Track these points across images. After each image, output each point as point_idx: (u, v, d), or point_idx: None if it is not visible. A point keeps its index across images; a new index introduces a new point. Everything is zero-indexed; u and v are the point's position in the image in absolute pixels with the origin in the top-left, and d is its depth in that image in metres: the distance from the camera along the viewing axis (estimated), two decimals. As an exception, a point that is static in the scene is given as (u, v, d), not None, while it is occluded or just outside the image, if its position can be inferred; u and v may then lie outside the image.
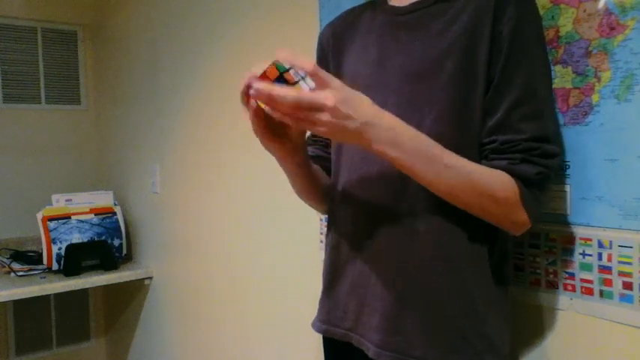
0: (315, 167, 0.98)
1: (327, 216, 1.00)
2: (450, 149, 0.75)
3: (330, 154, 0.99)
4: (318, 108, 0.67)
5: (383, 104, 0.73)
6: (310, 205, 1.04)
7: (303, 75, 0.69)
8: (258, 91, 0.68)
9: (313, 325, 0.96)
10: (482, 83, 0.78)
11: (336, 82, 0.69)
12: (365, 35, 0.93)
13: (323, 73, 0.68)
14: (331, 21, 1.02)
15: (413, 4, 0.87)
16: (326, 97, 0.67)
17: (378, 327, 0.83)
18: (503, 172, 0.76)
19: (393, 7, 0.90)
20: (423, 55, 0.82)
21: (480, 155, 0.80)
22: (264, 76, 0.70)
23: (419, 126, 0.77)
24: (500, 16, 0.77)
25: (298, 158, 0.88)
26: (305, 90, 0.69)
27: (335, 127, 0.69)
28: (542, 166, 0.76)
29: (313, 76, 0.68)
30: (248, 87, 0.71)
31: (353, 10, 1.01)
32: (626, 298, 0.81)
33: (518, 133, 0.76)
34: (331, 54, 0.98)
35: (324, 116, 0.68)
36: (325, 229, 1.35)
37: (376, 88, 0.85)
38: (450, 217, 0.79)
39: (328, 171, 1.00)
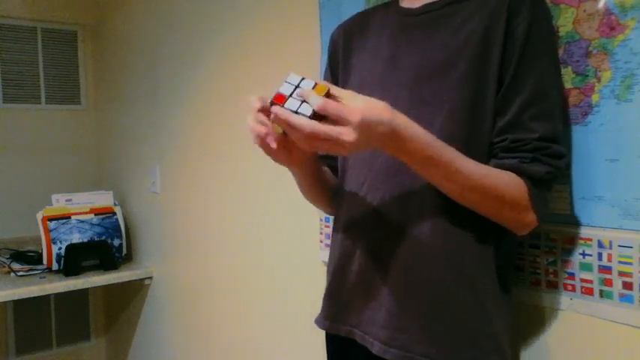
0: (324, 169, 0.99)
1: (329, 215, 0.99)
2: (459, 148, 0.76)
3: None
4: (335, 142, 0.68)
5: (394, 102, 0.73)
6: (316, 206, 1.04)
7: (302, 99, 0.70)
8: (277, 115, 0.69)
9: (317, 321, 0.96)
10: (493, 83, 0.79)
11: (354, 116, 0.66)
12: (377, 35, 0.93)
13: (333, 108, 0.67)
14: (343, 21, 1.03)
15: (424, 5, 0.87)
16: (342, 134, 0.67)
17: (383, 324, 0.83)
18: (513, 174, 0.76)
19: (404, 8, 0.90)
20: (435, 54, 0.82)
21: (489, 154, 0.80)
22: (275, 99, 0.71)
23: (430, 124, 0.77)
24: (513, 16, 0.78)
25: (306, 161, 0.88)
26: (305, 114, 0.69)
27: (352, 152, 0.70)
28: (551, 166, 0.77)
29: (323, 112, 0.67)
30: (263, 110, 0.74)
31: (365, 11, 1.01)
32: (626, 298, 0.81)
33: (529, 133, 0.76)
34: (341, 53, 0.99)
35: (343, 147, 0.68)
36: (325, 228, 1.35)
37: (388, 87, 0.86)
38: (457, 216, 0.80)
39: (336, 170, 1.00)
